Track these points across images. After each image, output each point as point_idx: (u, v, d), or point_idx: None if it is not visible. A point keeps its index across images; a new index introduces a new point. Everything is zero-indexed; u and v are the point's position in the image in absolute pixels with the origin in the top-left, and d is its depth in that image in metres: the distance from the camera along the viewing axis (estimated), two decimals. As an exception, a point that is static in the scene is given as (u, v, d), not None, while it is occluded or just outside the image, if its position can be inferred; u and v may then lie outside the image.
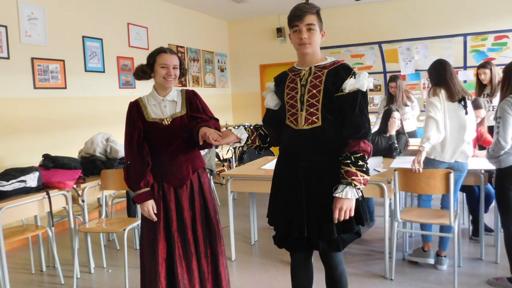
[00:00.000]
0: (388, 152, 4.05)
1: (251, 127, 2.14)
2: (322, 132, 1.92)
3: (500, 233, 3.28)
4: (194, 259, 2.37)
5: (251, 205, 4.12)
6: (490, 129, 3.88)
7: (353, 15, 7.58)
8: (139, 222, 3.24)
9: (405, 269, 3.30)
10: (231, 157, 6.45)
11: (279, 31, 8.07)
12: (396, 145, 4.08)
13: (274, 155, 4.92)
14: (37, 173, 3.13)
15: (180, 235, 2.36)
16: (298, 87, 1.98)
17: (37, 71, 4.63)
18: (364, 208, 1.97)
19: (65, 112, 4.98)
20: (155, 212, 2.33)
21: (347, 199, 1.83)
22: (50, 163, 3.42)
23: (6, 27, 4.31)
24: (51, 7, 4.82)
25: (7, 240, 2.99)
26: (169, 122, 2.34)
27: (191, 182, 2.39)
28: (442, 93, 3.11)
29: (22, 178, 3.03)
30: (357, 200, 1.88)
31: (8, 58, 4.33)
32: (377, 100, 7.09)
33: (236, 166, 6.34)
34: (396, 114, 4.07)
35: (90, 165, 3.70)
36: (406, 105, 5.05)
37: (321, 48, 2.04)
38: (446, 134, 3.10)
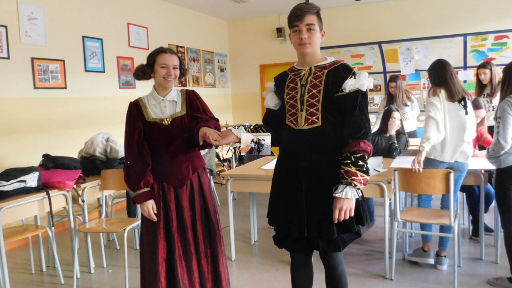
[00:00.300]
0: (388, 152, 4.05)
1: (251, 127, 2.14)
2: (322, 132, 1.92)
3: (500, 233, 3.28)
4: (194, 259, 2.37)
5: (251, 205, 4.12)
6: (490, 129, 3.88)
7: (353, 15, 7.58)
8: (139, 222, 3.24)
9: (405, 269, 3.30)
10: (231, 157, 6.45)
11: (279, 31, 8.06)
12: (396, 145, 4.08)
13: (274, 155, 4.92)
14: (37, 173, 3.13)
15: (180, 235, 2.35)
16: (298, 87, 1.98)
17: (37, 71, 4.63)
18: (364, 208, 1.97)
19: (65, 112, 4.98)
20: (155, 212, 2.33)
21: (347, 199, 1.83)
22: (50, 163, 3.42)
23: (6, 27, 4.31)
24: (51, 7, 4.82)
25: (7, 240, 2.99)
26: (169, 122, 2.34)
27: (191, 182, 2.39)
28: (442, 93, 3.11)
29: (22, 178, 3.03)
30: (357, 200, 1.88)
31: (8, 58, 4.33)
32: (377, 100, 7.09)
33: (236, 166, 6.34)
34: (396, 114, 4.08)
35: (90, 165, 3.70)
36: (406, 105, 5.06)
37: (321, 48, 2.04)
38: (446, 134, 3.10)
